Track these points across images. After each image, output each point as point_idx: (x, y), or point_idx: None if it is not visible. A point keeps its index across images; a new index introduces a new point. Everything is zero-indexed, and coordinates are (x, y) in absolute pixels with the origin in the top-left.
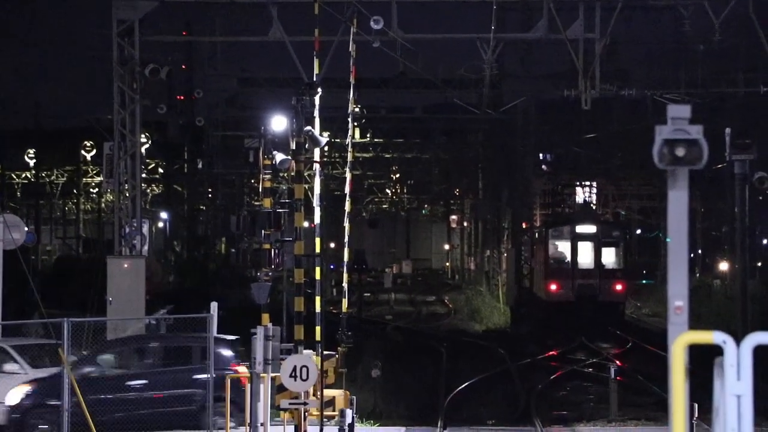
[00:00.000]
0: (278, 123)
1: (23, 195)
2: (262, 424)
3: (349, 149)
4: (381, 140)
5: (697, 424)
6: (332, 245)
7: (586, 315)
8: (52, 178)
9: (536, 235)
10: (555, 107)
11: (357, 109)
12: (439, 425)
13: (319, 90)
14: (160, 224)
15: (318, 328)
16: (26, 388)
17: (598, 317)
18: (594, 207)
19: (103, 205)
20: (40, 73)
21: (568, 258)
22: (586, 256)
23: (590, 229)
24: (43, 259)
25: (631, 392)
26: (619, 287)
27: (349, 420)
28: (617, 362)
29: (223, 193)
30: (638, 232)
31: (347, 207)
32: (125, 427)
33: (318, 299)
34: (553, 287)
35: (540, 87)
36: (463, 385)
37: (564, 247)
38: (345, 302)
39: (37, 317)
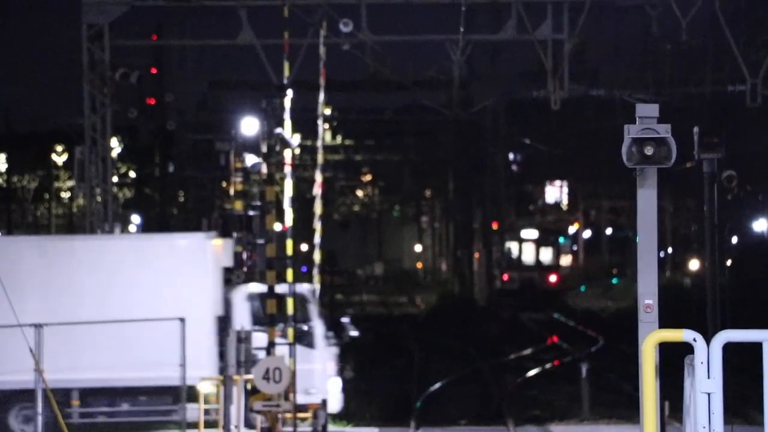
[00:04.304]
0: (249, 126)
1: None
2: (236, 427)
3: (320, 151)
4: (351, 142)
5: (668, 422)
6: (304, 247)
7: (528, 299)
8: (24, 182)
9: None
10: (524, 108)
11: (327, 112)
12: (411, 425)
13: (290, 93)
14: (132, 228)
15: (291, 330)
16: None
17: (537, 301)
18: (564, 207)
19: (74, 209)
20: (10, 77)
21: (516, 256)
22: (528, 254)
23: (532, 234)
24: None
25: (603, 390)
26: (553, 279)
27: (322, 421)
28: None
29: (195, 196)
30: (609, 231)
31: (318, 209)
32: None
33: (290, 301)
34: (504, 278)
35: (509, 88)
36: (437, 385)
37: (514, 247)
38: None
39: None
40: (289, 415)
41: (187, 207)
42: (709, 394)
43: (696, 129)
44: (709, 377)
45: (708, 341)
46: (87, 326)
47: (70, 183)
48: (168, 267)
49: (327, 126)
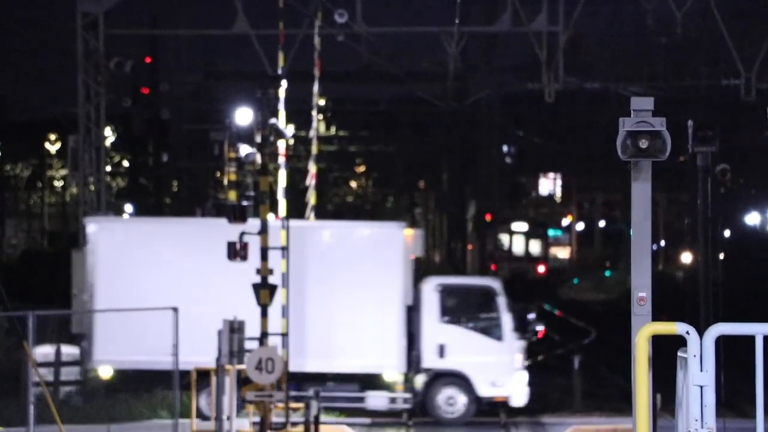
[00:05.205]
0: (243, 116)
1: None
2: (228, 417)
3: (314, 142)
4: (345, 133)
5: (661, 415)
6: None
7: (518, 289)
8: (17, 171)
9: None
10: (519, 100)
11: (322, 102)
12: (404, 417)
13: (284, 83)
14: (126, 217)
15: (284, 321)
16: None
17: (527, 291)
18: (558, 199)
19: (68, 198)
20: (3, 66)
21: (506, 247)
22: (518, 246)
23: (522, 227)
24: (8, 252)
25: (595, 382)
26: (541, 269)
27: (314, 412)
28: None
29: (189, 186)
30: (602, 224)
31: (312, 199)
32: None
33: (284, 292)
34: (492, 267)
35: (504, 80)
36: None
37: (505, 239)
38: None
39: (1, 310)
40: (281, 406)
41: (180, 197)
42: (701, 387)
43: (690, 122)
44: (701, 370)
45: (701, 334)
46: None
47: (64, 172)
48: (361, 255)
49: (321, 117)
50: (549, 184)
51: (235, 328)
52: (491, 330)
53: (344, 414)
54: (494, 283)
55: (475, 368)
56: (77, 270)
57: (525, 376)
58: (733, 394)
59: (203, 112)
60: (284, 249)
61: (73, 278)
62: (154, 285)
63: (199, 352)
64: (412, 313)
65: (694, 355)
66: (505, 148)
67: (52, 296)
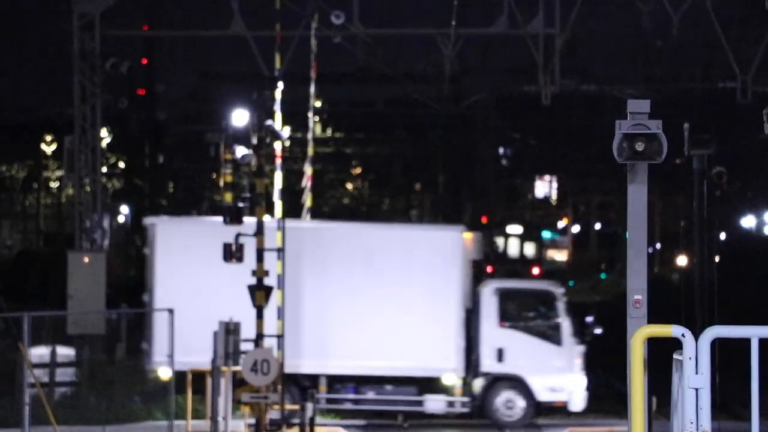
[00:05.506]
0: (239, 117)
1: None
2: (223, 418)
3: (310, 143)
4: (341, 135)
5: (656, 417)
6: None
7: None
8: (12, 172)
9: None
10: (515, 102)
11: (318, 104)
12: (399, 419)
13: (280, 84)
14: (121, 219)
15: (280, 322)
16: None
17: None
18: (553, 202)
19: (63, 199)
20: None
21: (501, 249)
22: (513, 248)
23: (517, 229)
24: (3, 253)
25: (591, 385)
26: (535, 271)
27: (310, 414)
28: None
29: (185, 187)
30: (597, 226)
31: (307, 201)
32: None
33: (280, 293)
34: (489, 270)
35: (500, 82)
36: None
37: (500, 241)
38: None
39: None
40: (276, 407)
41: (176, 198)
42: (697, 390)
43: (687, 125)
44: (697, 373)
45: (696, 337)
46: (338, 315)
47: (59, 173)
48: (421, 258)
49: (317, 118)
50: (545, 187)
51: (230, 330)
52: (550, 334)
53: (339, 416)
54: (554, 288)
55: (533, 372)
56: (73, 271)
57: (584, 380)
58: (729, 397)
59: (199, 114)
60: (279, 251)
61: (68, 279)
62: (215, 285)
63: None
64: (471, 317)
65: (690, 358)
66: (501, 151)
67: (47, 297)
